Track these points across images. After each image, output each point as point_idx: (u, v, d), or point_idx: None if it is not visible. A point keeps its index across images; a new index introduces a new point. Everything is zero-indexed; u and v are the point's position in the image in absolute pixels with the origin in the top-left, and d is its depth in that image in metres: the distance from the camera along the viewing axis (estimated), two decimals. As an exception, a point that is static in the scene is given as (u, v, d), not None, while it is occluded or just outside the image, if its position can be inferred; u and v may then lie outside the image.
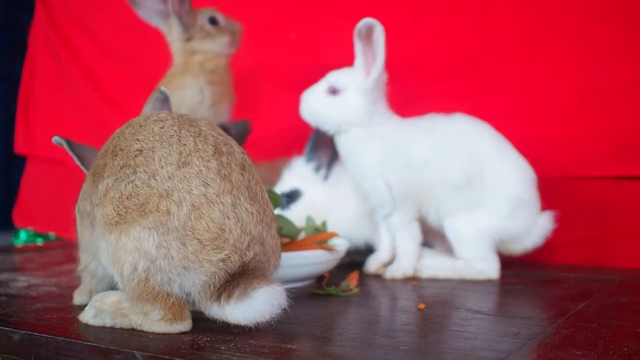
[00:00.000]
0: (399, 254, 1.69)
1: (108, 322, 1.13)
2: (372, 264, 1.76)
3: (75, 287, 1.37)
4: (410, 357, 0.95)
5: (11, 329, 1.13)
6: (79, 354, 1.04)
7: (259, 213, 1.10)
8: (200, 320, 1.14)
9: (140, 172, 1.07)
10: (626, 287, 1.58)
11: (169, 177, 1.06)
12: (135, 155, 1.09)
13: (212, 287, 1.06)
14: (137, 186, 1.07)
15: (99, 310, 1.14)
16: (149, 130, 1.12)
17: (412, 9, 2.29)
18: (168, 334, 1.09)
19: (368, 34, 1.61)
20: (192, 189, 1.05)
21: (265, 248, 1.11)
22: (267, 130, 2.37)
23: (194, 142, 1.10)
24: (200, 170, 1.06)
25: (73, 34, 3.08)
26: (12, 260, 2.11)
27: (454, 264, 1.65)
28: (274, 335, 1.09)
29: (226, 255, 1.05)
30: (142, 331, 1.09)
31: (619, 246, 1.94)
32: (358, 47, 1.63)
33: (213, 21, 1.99)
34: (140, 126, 1.14)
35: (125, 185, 1.07)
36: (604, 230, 1.97)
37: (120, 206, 1.07)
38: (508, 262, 1.73)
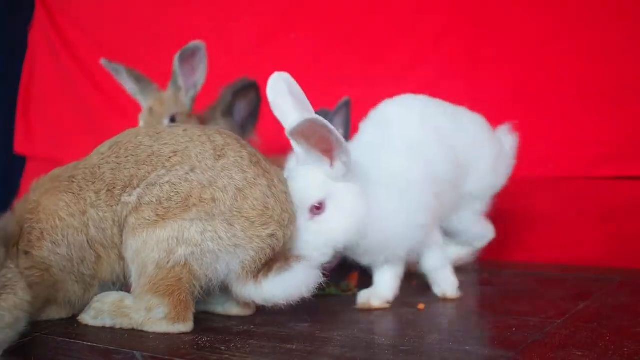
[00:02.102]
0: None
1: (108, 322, 1.13)
2: (377, 299, 1.42)
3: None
4: (410, 357, 0.95)
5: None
6: (79, 354, 1.04)
7: (288, 194, 1.20)
8: (200, 321, 1.14)
9: (177, 169, 1.12)
10: (626, 287, 1.58)
11: (210, 168, 1.13)
12: (170, 157, 1.14)
13: (257, 262, 1.13)
14: (174, 184, 1.11)
15: (98, 311, 1.14)
16: (175, 134, 1.17)
17: (412, 8, 2.29)
18: (168, 334, 1.09)
19: (310, 131, 1.18)
20: (233, 175, 1.13)
21: (295, 227, 1.20)
22: (268, 130, 2.37)
23: (222, 137, 1.19)
24: (236, 159, 1.15)
25: (73, 34, 3.08)
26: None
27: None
28: (274, 335, 1.09)
29: (273, 230, 1.13)
30: (142, 331, 1.09)
31: (620, 246, 1.94)
32: (301, 145, 1.23)
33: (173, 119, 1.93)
34: (157, 133, 1.18)
35: (160, 187, 1.11)
36: (604, 230, 1.97)
37: (160, 207, 1.11)
38: (508, 262, 1.73)
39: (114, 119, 2.77)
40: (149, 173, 1.13)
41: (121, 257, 1.17)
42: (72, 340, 1.06)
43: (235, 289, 1.15)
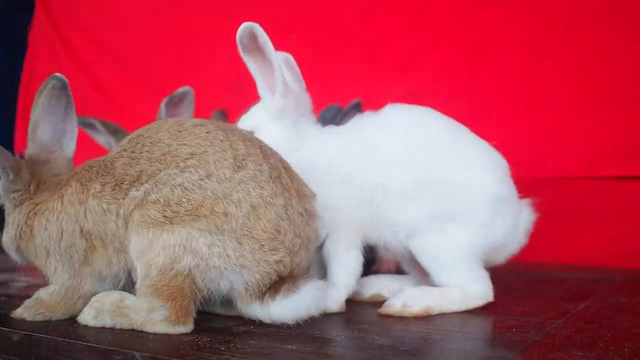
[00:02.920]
0: (328, 286, 1.30)
1: (108, 322, 1.13)
2: None
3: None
4: (410, 357, 0.95)
5: (11, 329, 1.12)
6: (79, 355, 1.04)
7: (305, 213, 1.16)
8: (200, 321, 1.14)
9: (191, 172, 1.09)
10: (626, 287, 1.58)
11: (227, 179, 1.08)
12: (186, 159, 1.10)
13: (260, 286, 1.10)
14: (186, 189, 1.08)
15: (98, 310, 1.14)
16: (196, 135, 1.13)
17: (412, 9, 2.29)
18: (168, 335, 1.08)
19: (252, 43, 1.30)
20: (250, 191, 1.08)
21: (309, 249, 1.17)
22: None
23: (244, 146, 1.13)
24: (255, 174, 1.10)
25: (73, 34, 3.08)
26: (12, 261, 2.11)
27: (446, 293, 1.29)
28: (274, 335, 1.09)
29: (281, 257, 1.10)
30: (142, 332, 1.09)
31: (619, 246, 1.94)
32: (249, 65, 1.34)
33: None
34: (179, 132, 1.14)
35: (171, 189, 1.08)
36: (604, 230, 1.97)
37: (167, 210, 1.08)
38: (508, 262, 1.72)
39: (114, 119, 2.76)
40: (160, 170, 1.10)
41: (122, 250, 1.15)
42: (72, 341, 1.05)
43: (240, 306, 1.14)
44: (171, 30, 2.88)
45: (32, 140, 1.24)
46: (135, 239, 1.10)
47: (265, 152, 1.15)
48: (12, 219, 1.21)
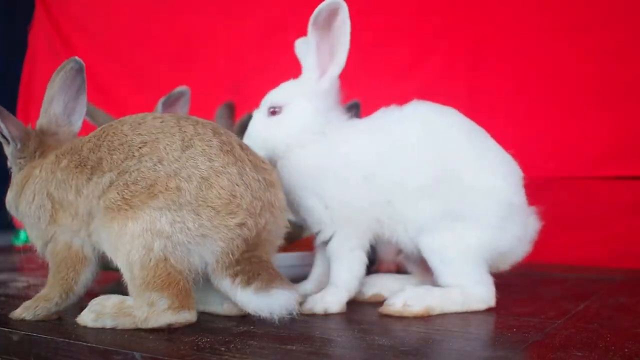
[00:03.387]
0: (328, 285, 1.35)
1: (109, 323, 1.13)
2: None
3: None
4: (410, 358, 0.95)
5: (11, 330, 1.13)
6: (79, 355, 1.04)
7: (265, 180, 1.18)
8: (200, 322, 1.14)
9: (146, 160, 1.13)
10: (626, 287, 1.58)
11: (176, 160, 1.12)
12: (140, 147, 1.15)
13: (230, 256, 1.12)
14: (142, 172, 1.12)
15: (99, 313, 1.14)
16: (150, 125, 1.18)
17: (412, 8, 2.29)
18: (169, 335, 1.09)
19: (329, 19, 1.32)
20: (198, 165, 1.12)
21: (275, 214, 1.18)
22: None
23: (194, 128, 1.17)
24: (204, 149, 1.14)
25: (73, 34, 3.08)
26: (12, 260, 2.11)
27: (448, 294, 1.28)
28: (274, 336, 1.09)
29: (241, 219, 1.12)
30: (142, 332, 1.09)
31: (619, 246, 1.94)
32: (313, 40, 1.35)
33: None
34: (139, 123, 1.19)
35: (130, 174, 1.12)
36: (604, 230, 1.97)
37: (126, 190, 1.11)
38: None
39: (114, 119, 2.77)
40: (121, 161, 1.14)
41: (82, 220, 1.19)
42: (72, 341, 1.05)
43: (214, 282, 1.16)
44: (171, 30, 2.88)
45: (45, 113, 1.35)
46: (102, 230, 1.14)
47: (218, 131, 1.19)
48: (15, 180, 1.31)
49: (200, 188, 1.10)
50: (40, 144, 1.31)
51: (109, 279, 1.69)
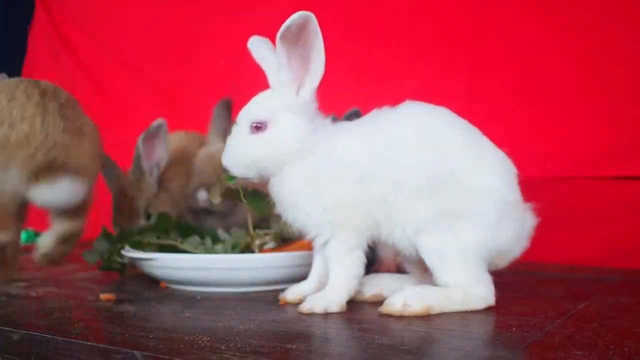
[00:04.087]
0: (328, 285, 1.34)
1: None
2: (292, 293, 1.41)
3: (76, 287, 1.36)
4: (410, 357, 0.95)
5: (11, 329, 1.13)
6: (79, 354, 1.04)
7: (66, 128, 1.50)
8: (200, 320, 1.14)
9: None
10: (626, 287, 1.58)
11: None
12: None
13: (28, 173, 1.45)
14: None
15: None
16: None
17: (412, 8, 2.29)
18: (168, 334, 1.08)
19: (299, 33, 1.29)
20: (12, 114, 1.46)
21: (71, 153, 1.49)
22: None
23: (23, 86, 1.54)
24: (22, 102, 1.48)
25: (73, 34, 3.09)
26: (12, 260, 2.10)
27: (447, 293, 1.28)
28: (273, 335, 1.09)
29: (32, 152, 1.43)
30: (142, 331, 1.09)
31: (619, 246, 1.94)
32: (283, 54, 1.32)
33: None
34: None
35: None
36: (604, 230, 1.97)
37: None
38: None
39: (114, 119, 2.77)
40: None
41: None
42: (72, 340, 1.05)
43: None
44: (171, 30, 2.89)
45: None
46: None
47: (46, 91, 1.56)
48: None
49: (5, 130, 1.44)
50: None
51: (109, 279, 1.69)
